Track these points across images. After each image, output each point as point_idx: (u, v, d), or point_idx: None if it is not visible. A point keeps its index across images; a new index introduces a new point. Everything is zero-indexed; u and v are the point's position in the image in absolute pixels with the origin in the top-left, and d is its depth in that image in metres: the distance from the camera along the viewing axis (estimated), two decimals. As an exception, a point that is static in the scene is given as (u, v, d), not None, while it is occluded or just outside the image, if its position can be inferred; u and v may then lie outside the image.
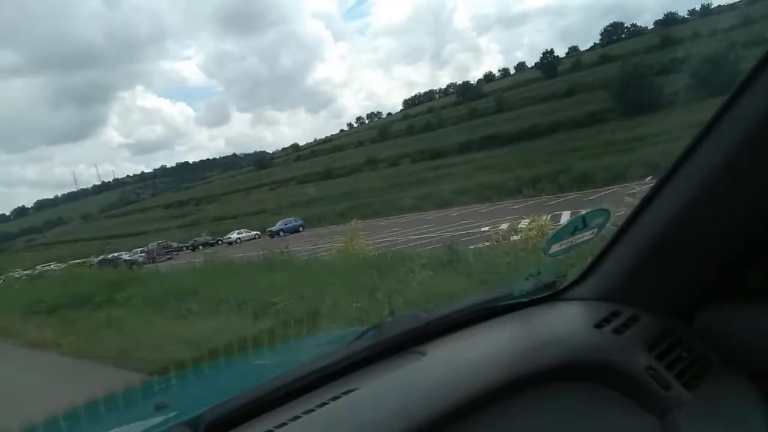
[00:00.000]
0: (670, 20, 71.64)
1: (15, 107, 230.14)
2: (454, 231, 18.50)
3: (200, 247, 41.19)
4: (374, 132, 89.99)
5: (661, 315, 1.24)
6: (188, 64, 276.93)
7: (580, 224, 1.41)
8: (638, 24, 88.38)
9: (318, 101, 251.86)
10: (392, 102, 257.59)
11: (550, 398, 1.08)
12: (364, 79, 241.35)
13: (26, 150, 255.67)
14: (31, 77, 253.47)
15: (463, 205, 31.97)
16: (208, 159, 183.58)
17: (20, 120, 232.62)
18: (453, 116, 73.77)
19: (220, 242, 43.13)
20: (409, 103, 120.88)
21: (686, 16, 69.54)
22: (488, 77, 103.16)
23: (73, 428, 1.42)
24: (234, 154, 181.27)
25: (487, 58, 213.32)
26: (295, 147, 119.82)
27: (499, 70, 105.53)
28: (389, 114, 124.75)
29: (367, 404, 1.07)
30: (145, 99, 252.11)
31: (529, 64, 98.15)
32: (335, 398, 1.07)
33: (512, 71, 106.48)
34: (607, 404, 1.10)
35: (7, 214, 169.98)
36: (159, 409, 1.20)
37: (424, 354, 1.22)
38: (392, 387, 1.11)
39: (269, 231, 39.17)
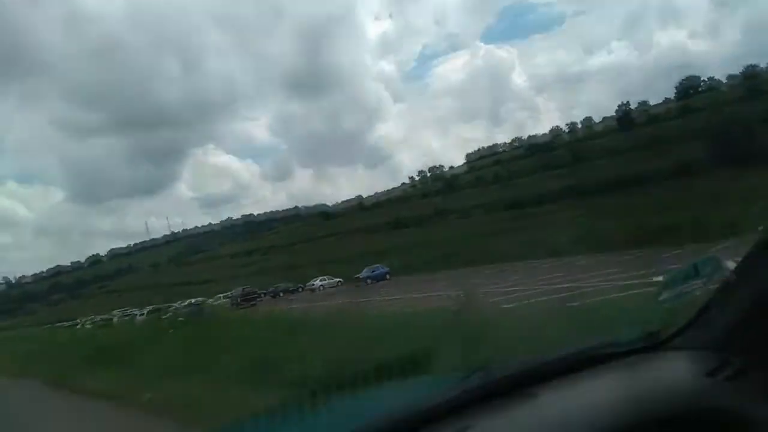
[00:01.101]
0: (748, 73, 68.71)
1: (96, 164, 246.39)
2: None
3: (281, 294, 40.64)
4: (439, 184, 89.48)
5: None
6: (256, 125, 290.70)
7: (692, 272, 1.41)
8: (714, 77, 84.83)
9: (376, 158, 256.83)
10: (448, 158, 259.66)
11: None
12: (421, 137, 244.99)
13: (103, 202, 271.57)
14: (112, 136, 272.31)
15: (560, 256, 29.89)
16: (271, 211, 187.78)
17: (99, 175, 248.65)
18: (524, 168, 72.16)
19: (300, 289, 42.38)
20: (471, 157, 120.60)
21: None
22: (555, 132, 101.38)
23: None
24: (296, 207, 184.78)
25: (544, 116, 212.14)
26: (358, 198, 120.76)
27: (566, 124, 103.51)
28: (451, 167, 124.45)
29: None
30: (215, 157, 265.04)
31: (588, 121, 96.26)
32: None
33: (579, 126, 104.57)
34: None
35: (82, 261, 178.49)
36: None
37: (535, 396, 1.21)
38: (507, 427, 1.14)
39: (356, 278, 37.90)
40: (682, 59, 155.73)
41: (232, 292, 42.43)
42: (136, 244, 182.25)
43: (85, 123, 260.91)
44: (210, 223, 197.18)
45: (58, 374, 11.85)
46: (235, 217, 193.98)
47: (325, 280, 41.93)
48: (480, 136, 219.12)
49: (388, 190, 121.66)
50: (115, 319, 45.64)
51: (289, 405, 1.86)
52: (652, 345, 1.41)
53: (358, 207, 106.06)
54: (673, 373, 1.31)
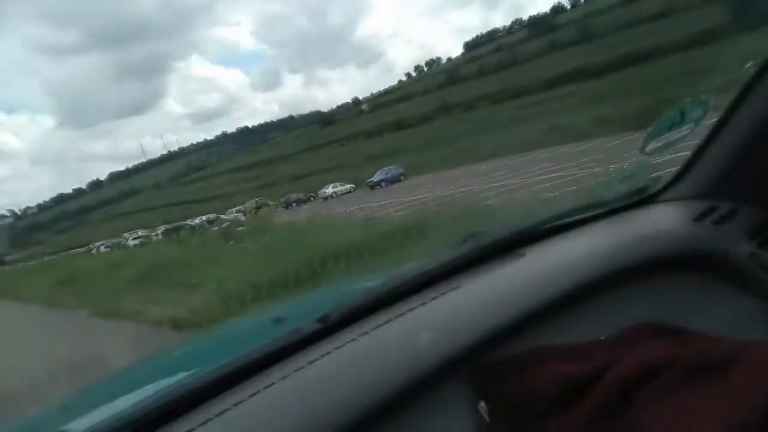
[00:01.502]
0: None
1: (80, 85, 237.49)
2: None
3: (293, 204, 39.93)
4: (441, 77, 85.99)
5: (760, 206, 1.20)
6: (239, 30, 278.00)
7: (677, 118, 1.34)
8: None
9: (367, 56, 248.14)
10: (444, 50, 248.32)
11: (652, 289, 1.11)
12: (413, 30, 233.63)
13: (95, 125, 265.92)
14: (92, 54, 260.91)
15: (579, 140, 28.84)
16: (266, 122, 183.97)
17: (86, 97, 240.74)
18: (528, 52, 68.76)
19: (312, 198, 41.51)
20: (471, 46, 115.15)
21: None
22: (557, 9, 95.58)
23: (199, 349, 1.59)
24: (290, 116, 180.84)
25: None
26: (355, 101, 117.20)
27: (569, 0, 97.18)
28: (449, 59, 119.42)
29: (471, 297, 1.14)
30: (200, 68, 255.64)
31: None
32: (444, 293, 1.14)
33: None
34: (711, 291, 1.12)
35: (83, 187, 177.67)
36: (278, 323, 1.28)
37: (523, 255, 1.26)
38: (493, 284, 1.18)
39: (369, 182, 36.61)
40: None
41: (245, 205, 41.70)
42: (134, 166, 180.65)
43: (62, 43, 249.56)
44: (205, 139, 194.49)
45: (105, 302, 10.57)
46: (229, 131, 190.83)
47: (337, 186, 40.82)
48: (476, 23, 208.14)
49: (385, 90, 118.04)
50: (129, 242, 45.38)
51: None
52: (640, 200, 1.41)
53: (356, 110, 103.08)
54: (660, 223, 1.31)
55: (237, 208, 42.85)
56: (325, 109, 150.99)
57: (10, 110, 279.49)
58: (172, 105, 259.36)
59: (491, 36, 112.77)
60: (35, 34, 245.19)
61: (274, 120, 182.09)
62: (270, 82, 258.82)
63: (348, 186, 40.82)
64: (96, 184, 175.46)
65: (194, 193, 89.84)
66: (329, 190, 40.43)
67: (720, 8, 44.13)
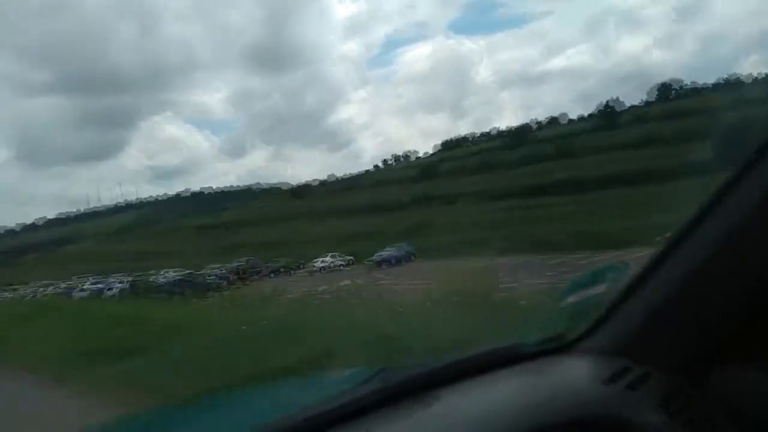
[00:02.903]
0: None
1: (41, 125, 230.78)
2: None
3: (279, 271, 37.88)
4: (414, 171, 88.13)
5: (673, 373, 1.22)
6: (214, 97, 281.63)
7: (597, 277, 1.41)
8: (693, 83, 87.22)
9: (338, 141, 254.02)
10: (410, 147, 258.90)
11: None
12: (384, 124, 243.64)
13: (50, 167, 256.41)
14: (60, 97, 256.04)
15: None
16: (228, 187, 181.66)
17: (45, 138, 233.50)
18: (508, 160, 71.82)
19: (302, 266, 39.61)
20: (446, 146, 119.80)
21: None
22: (525, 127, 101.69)
23: None
24: (257, 183, 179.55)
25: (506, 113, 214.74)
26: (322, 183, 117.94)
27: (546, 118, 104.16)
28: (423, 154, 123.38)
29: None
30: (170, 126, 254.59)
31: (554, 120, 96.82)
32: None
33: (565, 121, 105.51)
34: None
35: (26, 223, 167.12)
36: None
37: (438, 398, 1.22)
38: (407, 430, 1.14)
39: (372, 260, 33.86)
40: (639, 67, 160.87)
41: (233, 264, 38.95)
42: (84, 211, 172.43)
43: (33, 81, 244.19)
44: (165, 194, 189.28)
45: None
46: (193, 189, 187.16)
47: (336, 258, 38.57)
48: (442, 127, 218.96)
49: (355, 175, 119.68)
50: (78, 292, 40.54)
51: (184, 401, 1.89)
52: (555, 348, 1.41)
53: (327, 188, 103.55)
54: (573, 378, 1.31)
55: (218, 266, 39.81)
56: (292, 182, 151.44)
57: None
58: (135, 157, 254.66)
59: (459, 142, 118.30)
60: (7, 67, 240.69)
61: (236, 186, 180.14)
62: (236, 150, 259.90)
63: (347, 258, 38.92)
64: (38, 224, 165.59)
65: (154, 246, 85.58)
66: (327, 259, 37.72)
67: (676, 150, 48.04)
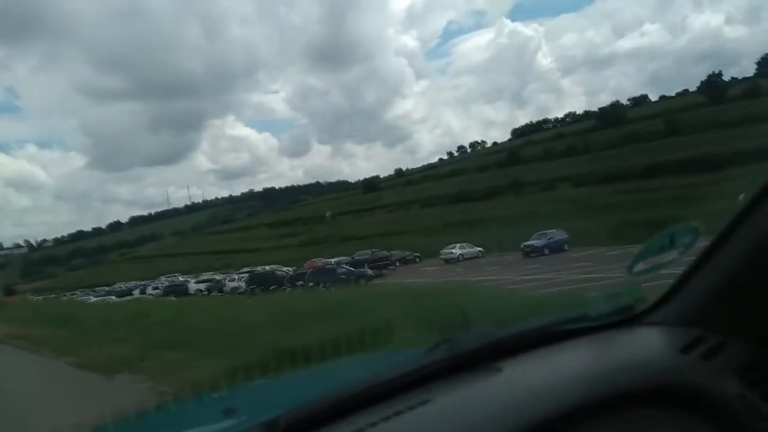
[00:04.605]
0: None
1: (116, 130, 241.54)
2: None
3: (396, 264, 34.99)
4: (495, 158, 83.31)
5: (749, 343, 1.17)
6: (276, 97, 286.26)
7: (667, 243, 1.34)
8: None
9: (395, 136, 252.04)
10: (468, 139, 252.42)
11: (632, 423, 1.06)
12: (442, 116, 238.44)
13: (123, 170, 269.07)
14: (133, 103, 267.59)
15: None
16: (292, 185, 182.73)
17: (120, 142, 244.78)
18: (604, 140, 65.84)
19: (418, 260, 36.63)
20: (519, 132, 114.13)
21: None
22: (637, 101, 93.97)
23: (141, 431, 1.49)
24: (317, 182, 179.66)
25: (569, 100, 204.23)
26: (398, 173, 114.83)
27: (628, 99, 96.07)
28: (494, 143, 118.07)
29: (442, 416, 1.08)
30: (234, 128, 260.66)
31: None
32: (411, 408, 1.07)
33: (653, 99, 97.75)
34: (695, 430, 1.08)
35: (103, 227, 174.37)
36: (227, 414, 1.24)
37: (500, 370, 1.20)
38: (468, 401, 1.12)
39: (525, 246, 29.92)
40: (715, 45, 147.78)
41: (355, 256, 35.69)
42: (157, 213, 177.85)
43: (107, 88, 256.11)
44: (230, 195, 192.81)
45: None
46: (256, 189, 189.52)
47: (465, 248, 34.77)
48: (502, 118, 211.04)
49: (431, 164, 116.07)
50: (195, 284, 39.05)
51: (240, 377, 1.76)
52: (625, 320, 1.37)
53: (403, 180, 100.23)
54: (645, 348, 1.26)
55: (344, 258, 35.84)
56: (351, 180, 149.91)
57: (43, 145, 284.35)
58: (201, 160, 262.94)
59: (536, 127, 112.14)
60: (83, 75, 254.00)
61: (300, 184, 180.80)
62: (298, 149, 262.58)
63: (476, 249, 35.19)
64: (116, 226, 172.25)
65: (229, 244, 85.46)
66: (456, 250, 34.44)
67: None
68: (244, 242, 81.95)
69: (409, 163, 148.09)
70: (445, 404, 1.08)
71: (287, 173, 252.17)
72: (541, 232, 30.79)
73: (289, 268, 33.81)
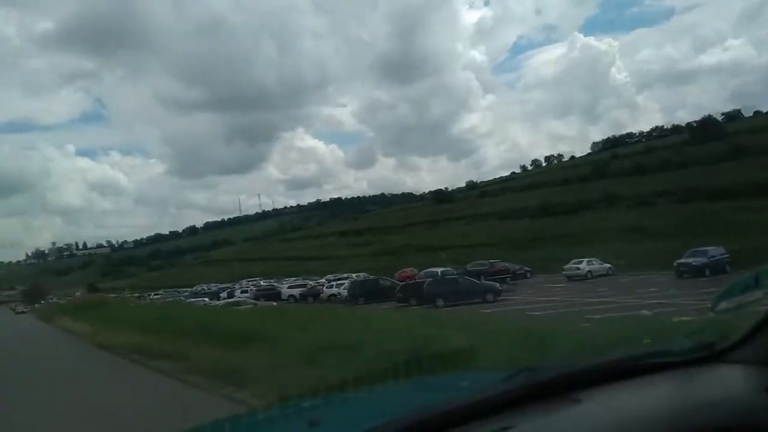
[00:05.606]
0: None
1: (194, 140, 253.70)
2: None
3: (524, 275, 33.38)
4: (582, 170, 79.46)
5: None
6: (343, 111, 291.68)
7: (752, 282, 1.33)
8: None
9: (460, 150, 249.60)
10: (535, 153, 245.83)
11: None
12: (509, 131, 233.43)
13: (199, 177, 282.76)
14: (210, 114, 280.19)
15: None
16: (358, 196, 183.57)
17: (198, 151, 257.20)
18: (700, 155, 61.18)
19: (529, 274, 34.76)
20: (600, 146, 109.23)
21: None
22: (730, 116, 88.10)
23: None
24: (383, 193, 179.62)
25: (644, 116, 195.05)
26: (470, 185, 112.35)
27: (722, 114, 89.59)
28: (572, 157, 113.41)
29: None
30: (303, 140, 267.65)
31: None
32: None
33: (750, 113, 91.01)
34: None
35: (179, 231, 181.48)
36: (312, 425, 1.26)
37: (579, 401, 1.19)
38: (548, 430, 1.13)
39: (680, 265, 25.87)
40: None
41: (468, 266, 33.38)
42: (230, 218, 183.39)
43: (186, 99, 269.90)
44: (298, 204, 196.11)
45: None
46: (323, 199, 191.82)
47: (593, 263, 31.47)
48: (572, 134, 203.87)
49: (504, 177, 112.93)
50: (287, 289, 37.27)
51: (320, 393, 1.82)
52: (707, 357, 1.35)
53: (477, 192, 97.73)
54: (729, 387, 1.23)
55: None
56: (416, 192, 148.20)
57: (126, 152, 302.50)
58: (271, 170, 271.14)
59: (615, 142, 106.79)
60: (165, 87, 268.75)
61: (366, 195, 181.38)
62: (363, 161, 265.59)
63: (606, 266, 31.80)
64: (192, 230, 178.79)
65: (298, 251, 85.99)
66: (583, 266, 31.05)
67: None
68: (317, 250, 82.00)
69: (473, 177, 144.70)
70: None
71: (352, 184, 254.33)
72: (695, 249, 26.89)
73: (389, 278, 32.28)
